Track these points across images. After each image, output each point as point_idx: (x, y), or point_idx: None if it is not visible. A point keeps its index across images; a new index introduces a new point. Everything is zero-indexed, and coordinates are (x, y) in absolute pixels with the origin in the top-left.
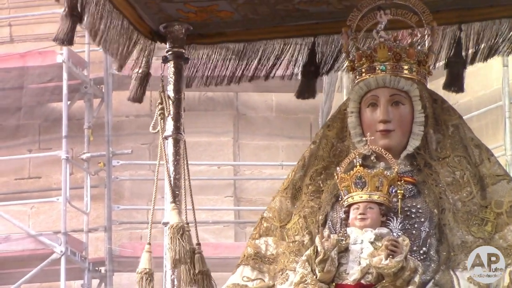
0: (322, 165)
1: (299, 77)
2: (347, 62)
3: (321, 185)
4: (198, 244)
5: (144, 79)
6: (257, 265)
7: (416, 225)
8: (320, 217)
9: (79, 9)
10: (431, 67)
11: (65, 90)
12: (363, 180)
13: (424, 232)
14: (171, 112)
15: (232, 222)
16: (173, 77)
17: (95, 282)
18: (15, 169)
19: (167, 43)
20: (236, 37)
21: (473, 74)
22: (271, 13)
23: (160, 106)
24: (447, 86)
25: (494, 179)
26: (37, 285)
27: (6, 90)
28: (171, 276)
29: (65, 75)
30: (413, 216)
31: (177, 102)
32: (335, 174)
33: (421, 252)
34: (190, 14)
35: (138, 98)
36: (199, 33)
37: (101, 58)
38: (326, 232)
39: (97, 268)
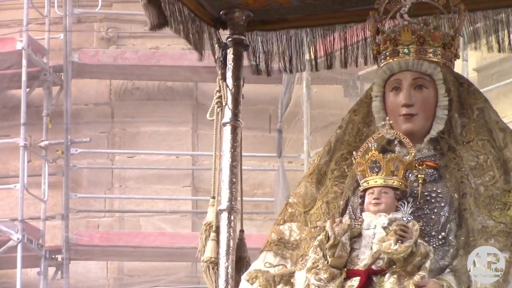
0: (347, 150)
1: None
2: (374, 46)
3: (346, 170)
4: (242, 230)
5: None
6: (280, 251)
7: (435, 210)
8: (341, 202)
9: None
10: (458, 50)
11: (24, 77)
12: (378, 164)
13: (443, 217)
14: (229, 100)
15: (189, 212)
16: (232, 64)
17: (52, 270)
18: None
19: (228, 30)
20: (297, 23)
21: None
22: None
23: (218, 94)
24: None
25: None
26: None
27: None
28: (225, 263)
29: (24, 62)
30: (433, 200)
31: (236, 89)
32: (352, 158)
33: (440, 237)
34: (249, 0)
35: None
36: (261, 19)
37: (60, 45)
38: (346, 217)
39: (53, 256)
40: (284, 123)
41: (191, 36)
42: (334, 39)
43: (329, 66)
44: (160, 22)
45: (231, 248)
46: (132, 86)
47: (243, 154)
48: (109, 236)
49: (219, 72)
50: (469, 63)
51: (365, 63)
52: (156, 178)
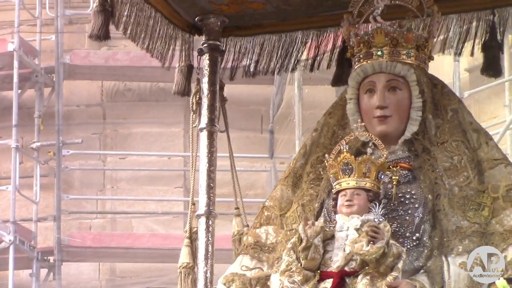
0: (323, 153)
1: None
2: (348, 49)
3: (322, 172)
4: (247, 225)
5: (188, 72)
6: (256, 254)
7: (409, 211)
8: (316, 205)
9: (110, 4)
10: (432, 52)
11: (16, 79)
12: (350, 166)
13: (417, 218)
14: (204, 105)
15: (181, 213)
16: (208, 69)
17: (44, 271)
18: None
19: (203, 36)
20: (272, 28)
21: None
22: (303, 3)
23: (193, 100)
24: (484, 70)
25: (491, 163)
26: None
27: None
28: (204, 268)
29: (16, 64)
30: (407, 202)
31: (212, 94)
32: (325, 161)
33: (414, 238)
34: (223, 6)
35: (182, 91)
36: (236, 25)
37: (52, 47)
38: (321, 220)
39: (45, 258)
40: (275, 124)
41: (159, 43)
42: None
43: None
44: (100, 35)
45: (209, 253)
46: (124, 87)
47: (234, 155)
48: (101, 237)
49: (196, 78)
50: (461, 63)
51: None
52: (148, 179)
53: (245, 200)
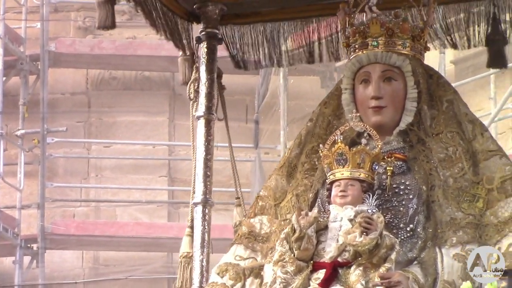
0: (318, 143)
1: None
2: (343, 39)
3: (316, 163)
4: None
5: (191, 60)
6: (250, 244)
7: (404, 202)
8: (310, 195)
9: None
10: (427, 42)
11: (0, 66)
12: (345, 157)
13: (412, 209)
14: (202, 93)
15: (165, 202)
16: (206, 57)
17: (27, 259)
18: None
19: (201, 24)
20: (271, 16)
21: None
22: None
23: (191, 88)
24: (490, 64)
25: (486, 155)
26: None
27: None
28: (200, 257)
29: (1, 51)
30: (401, 193)
31: (210, 82)
32: (319, 151)
33: (408, 229)
34: None
35: (189, 79)
36: (235, 13)
37: (37, 34)
38: (315, 210)
39: (29, 245)
40: (261, 114)
41: (166, 30)
42: (309, 32)
43: (309, 61)
44: (107, 25)
45: (205, 242)
46: (109, 76)
47: (220, 144)
48: (85, 225)
49: (194, 66)
50: (446, 55)
51: (337, 59)
52: (133, 168)
53: (229, 189)
